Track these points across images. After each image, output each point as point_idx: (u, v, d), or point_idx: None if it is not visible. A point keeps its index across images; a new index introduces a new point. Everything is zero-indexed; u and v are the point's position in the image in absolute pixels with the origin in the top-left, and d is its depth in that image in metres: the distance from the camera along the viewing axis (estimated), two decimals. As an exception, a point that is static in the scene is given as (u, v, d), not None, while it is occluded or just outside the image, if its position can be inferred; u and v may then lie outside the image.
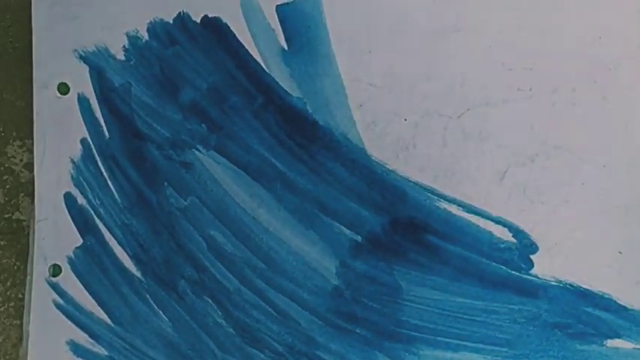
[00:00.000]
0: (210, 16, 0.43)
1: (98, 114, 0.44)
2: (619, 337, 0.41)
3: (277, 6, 0.42)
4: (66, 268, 0.46)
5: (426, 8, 0.40)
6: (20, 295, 0.48)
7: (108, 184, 0.45)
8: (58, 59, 0.44)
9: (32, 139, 0.46)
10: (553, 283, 0.41)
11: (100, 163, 0.45)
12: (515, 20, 0.40)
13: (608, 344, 0.41)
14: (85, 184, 0.45)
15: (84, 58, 0.44)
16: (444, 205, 0.41)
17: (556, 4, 0.39)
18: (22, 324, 0.47)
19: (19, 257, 0.47)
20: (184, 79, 0.43)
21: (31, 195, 0.45)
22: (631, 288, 0.40)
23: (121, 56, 0.44)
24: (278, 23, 0.42)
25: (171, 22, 0.43)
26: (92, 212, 0.45)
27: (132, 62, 0.44)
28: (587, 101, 0.39)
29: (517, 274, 0.41)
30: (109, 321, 0.45)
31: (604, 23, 0.39)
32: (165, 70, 0.44)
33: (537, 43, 0.40)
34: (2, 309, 0.48)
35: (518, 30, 0.40)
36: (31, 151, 0.46)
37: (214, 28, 0.43)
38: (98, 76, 0.44)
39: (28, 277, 0.46)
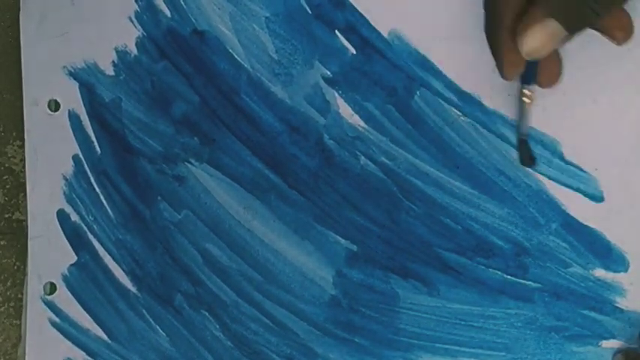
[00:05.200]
0: (199, 29, 0.43)
1: (89, 130, 0.44)
2: (614, 338, 0.41)
3: (266, 17, 0.42)
4: (61, 285, 0.45)
5: (417, 17, 0.41)
6: (20, 295, 0.47)
7: (101, 200, 0.45)
8: (47, 76, 0.44)
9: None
10: (549, 288, 0.41)
11: (92, 179, 0.45)
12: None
13: (603, 345, 0.41)
14: (77, 200, 0.45)
15: (73, 75, 0.44)
16: (438, 211, 0.42)
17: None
18: (22, 324, 0.46)
19: (19, 257, 0.47)
20: (175, 92, 0.43)
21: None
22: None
23: (110, 72, 0.44)
24: (268, 34, 0.42)
25: (160, 36, 0.43)
26: (86, 229, 0.45)
27: (122, 77, 0.44)
28: (577, 105, 0.40)
29: (513, 279, 0.41)
30: (105, 338, 0.45)
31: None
32: (155, 84, 0.43)
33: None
34: (2, 309, 0.48)
35: (507, 36, 0.40)
36: (32, 152, 0.46)
37: (204, 40, 0.43)
38: (88, 92, 0.44)
39: (27, 277, 0.46)
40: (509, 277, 0.41)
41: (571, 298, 0.41)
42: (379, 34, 0.41)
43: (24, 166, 0.46)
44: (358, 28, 0.41)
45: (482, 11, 0.40)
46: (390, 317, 0.42)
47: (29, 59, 0.44)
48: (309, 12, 0.42)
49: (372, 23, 0.41)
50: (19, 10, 0.45)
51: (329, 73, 0.42)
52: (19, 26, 0.45)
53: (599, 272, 0.40)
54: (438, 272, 0.42)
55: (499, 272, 0.41)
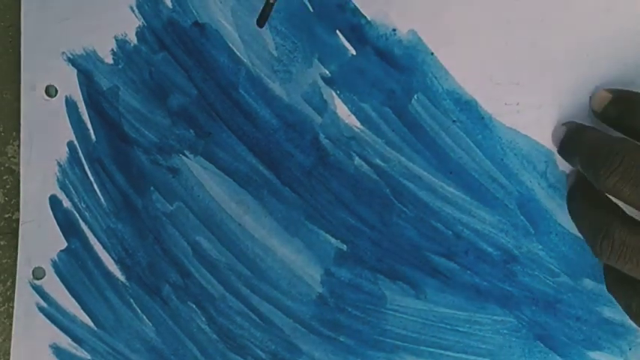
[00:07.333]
0: (200, 22, 0.43)
1: (85, 117, 0.44)
2: (600, 350, 0.41)
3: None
4: (49, 271, 0.45)
5: (416, 23, 0.41)
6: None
7: (94, 188, 0.45)
8: (46, 61, 0.44)
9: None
10: (536, 296, 0.41)
11: (86, 167, 0.45)
12: (504, 35, 0.40)
13: (590, 356, 0.41)
14: (70, 187, 0.45)
15: (72, 61, 0.44)
16: (429, 215, 0.42)
17: (545, 21, 0.40)
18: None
19: None
20: (173, 84, 0.43)
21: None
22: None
23: (109, 60, 0.44)
24: (268, 30, 0.42)
25: (160, 26, 0.43)
26: (77, 215, 0.45)
27: (120, 66, 0.44)
28: (573, 118, 0.40)
29: (501, 285, 0.41)
30: (92, 325, 0.45)
31: (592, 41, 0.39)
32: (154, 75, 0.44)
33: (525, 59, 0.40)
34: (2, 309, 0.48)
35: (506, 45, 0.40)
36: (32, 151, 0.46)
37: (204, 33, 0.43)
38: (86, 79, 0.44)
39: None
40: (497, 283, 0.41)
41: (558, 307, 0.41)
42: (380, 35, 0.41)
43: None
44: (360, 29, 0.41)
45: (481, 21, 0.40)
46: (376, 318, 0.43)
47: (29, 43, 0.44)
48: (311, 10, 0.42)
49: (374, 24, 0.41)
50: (19, 9, 0.45)
51: (328, 72, 0.42)
52: (19, 16, 0.45)
53: (588, 283, 0.41)
54: (427, 276, 0.42)
55: (487, 278, 0.41)
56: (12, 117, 0.46)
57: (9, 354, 0.47)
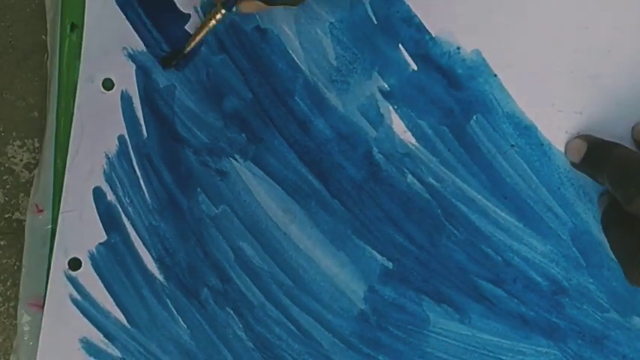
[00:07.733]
0: (261, 26, 0.43)
1: (139, 113, 0.44)
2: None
3: (330, 22, 0.42)
4: (86, 262, 0.45)
5: (481, 43, 0.40)
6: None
7: (140, 184, 0.44)
8: (106, 55, 0.43)
9: (32, 139, 0.46)
10: (583, 330, 0.40)
11: (134, 162, 0.44)
12: (570, 64, 0.40)
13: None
14: (116, 180, 0.44)
15: (132, 57, 0.44)
16: (480, 240, 0.41)
17: (612, 52, 0.39)
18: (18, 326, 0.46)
19: (19, 257, 0.46)
20: (230, 87, 0.43)
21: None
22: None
23: (168, 57, 0.44)
24: (330, 40, 0.42)
25: (222, 29, 0.43)
26: (120, 210, 0.45)
27: (179, 65, 0.44)
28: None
29: (547, 316, 0.41)
30: (125, 322, 0.44)
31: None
32: (211, 76, 0.43)
33: (589, 89, 0.40)
34: (2, 309, 0.47)
35: (571, 73, 0.40)
36: (31, 151, 0.46)
37: (265, 38, 0.43)
38: (144, 75, 0.44)
39: (23, 270, 0.45)
40: (543, 314, 0.41)
41: (605, 344, 0.40)
42: (444, 52, 0.41)
43: (24, 166, 0.46)
44: (423, 45, 0.41)
45: (550, 42, 0.40)
46: (417, 340, 0.42)
47: (90, 36, 0.44)
48: (375, 22, 0.42)
49: (439, 41, 0.41)
50: (19, 9, 0.45)
51: (386, 86, 0.42)
52: (21, 24, 0.45)
53: (638, 321, 0.40)
54: (472, 301, 0.41)
55: (534, 308, 0.41)
56: (12, 117, 0.46)
57: (9, 354, 0.46)
